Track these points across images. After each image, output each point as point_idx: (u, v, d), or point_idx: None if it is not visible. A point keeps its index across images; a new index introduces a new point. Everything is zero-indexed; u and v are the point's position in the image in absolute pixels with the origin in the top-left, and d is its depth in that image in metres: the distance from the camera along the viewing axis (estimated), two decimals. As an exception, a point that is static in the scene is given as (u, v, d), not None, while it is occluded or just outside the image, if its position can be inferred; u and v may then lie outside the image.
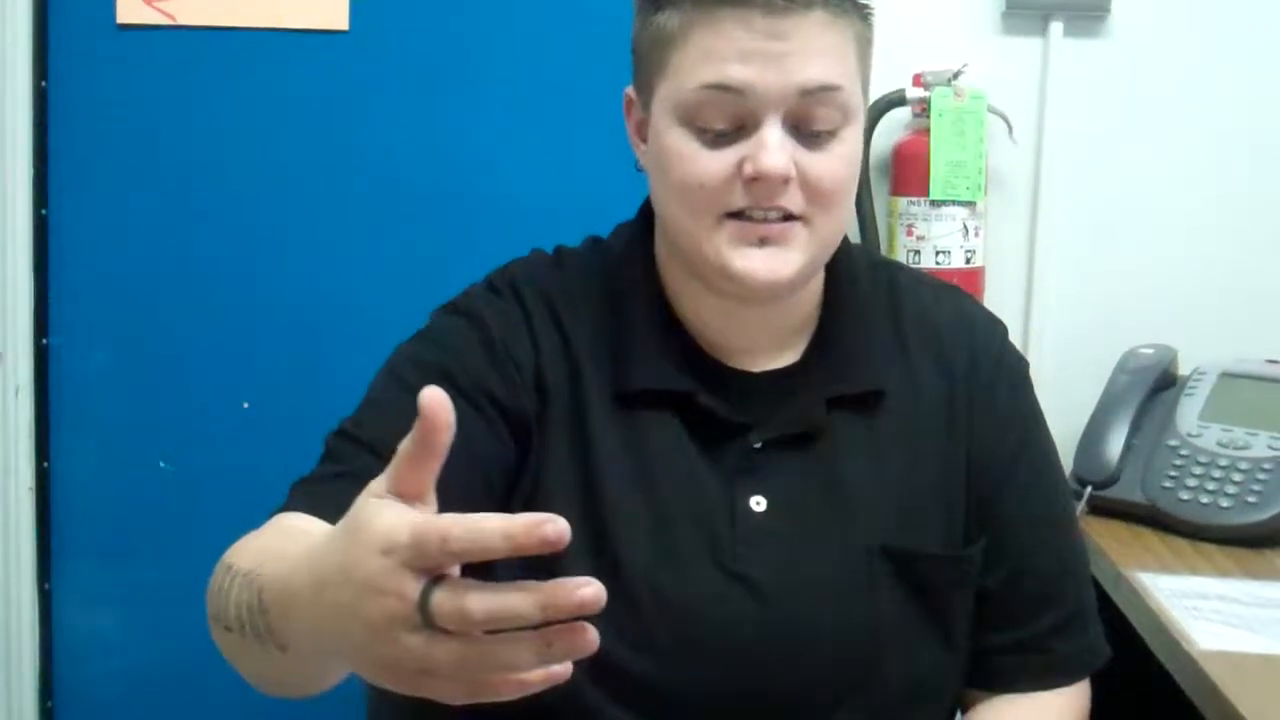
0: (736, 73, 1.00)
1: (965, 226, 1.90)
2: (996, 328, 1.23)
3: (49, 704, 2.09)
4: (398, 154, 2.02)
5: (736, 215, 1.04)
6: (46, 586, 2.07)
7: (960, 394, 1.16)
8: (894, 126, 1.97)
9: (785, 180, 1.02)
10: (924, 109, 1.91)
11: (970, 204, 1.90)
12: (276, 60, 2.01)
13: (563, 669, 0.62)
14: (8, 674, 2.05)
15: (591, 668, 1.05)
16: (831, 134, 1.04)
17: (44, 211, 2.02)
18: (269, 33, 2.01)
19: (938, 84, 1.90)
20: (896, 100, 1.93)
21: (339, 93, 2.02)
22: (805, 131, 1.03)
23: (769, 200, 1.03)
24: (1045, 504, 1.19)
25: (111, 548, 2.07)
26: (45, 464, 2.06)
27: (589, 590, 0.59)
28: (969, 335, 1.19)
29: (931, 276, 1.27)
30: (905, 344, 1.17)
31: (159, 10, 2.00)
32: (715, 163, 1.03)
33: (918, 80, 1.92)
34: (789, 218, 1.04)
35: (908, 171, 1.92)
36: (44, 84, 2.00)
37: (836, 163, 1.05)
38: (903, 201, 1.92)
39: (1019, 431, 1.18)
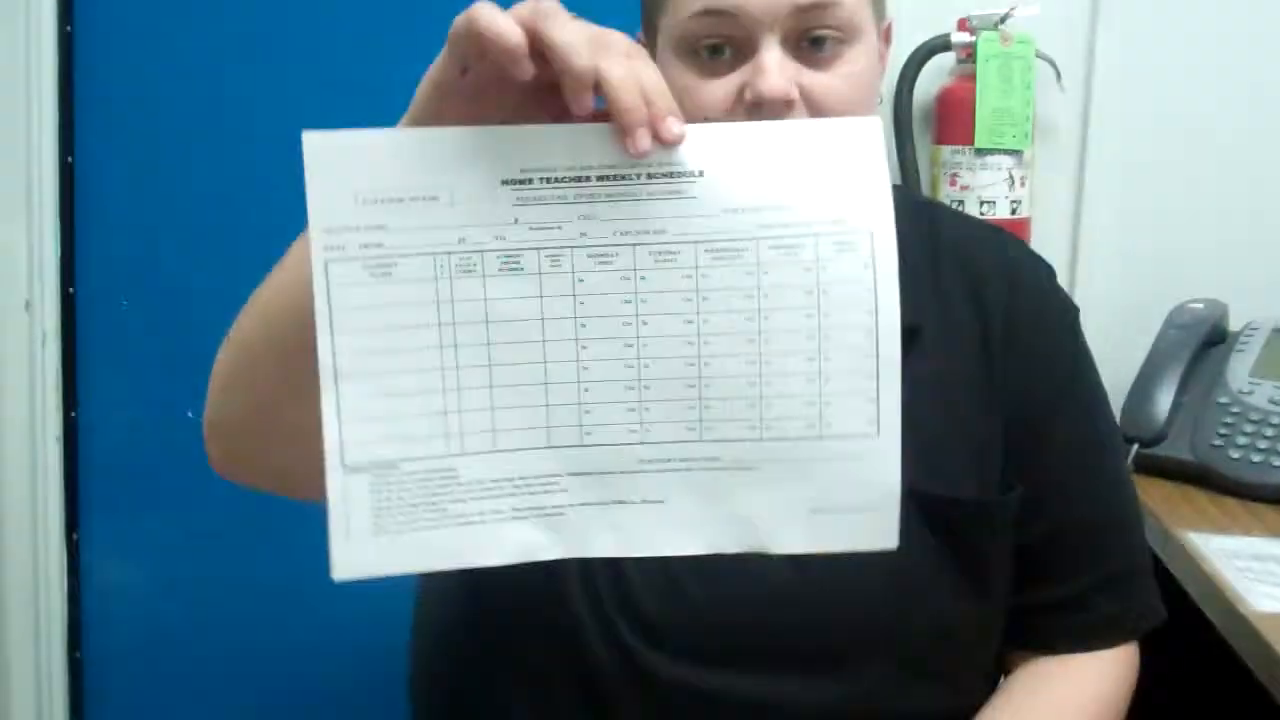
0: None
1: (1011, 176, 1.84)
2: (1040, 267, 1.18)
3: (77, 654, 2.09)
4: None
5: None
6: (74, 536, 2.07)
7: (998, 333, 1.11)
8: (938, 73, 1.92)
9: (788, 103, 0.98)
10: (969, 54, 1.85)
11: (1016, 153, 1.84)
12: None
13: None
14: (36, 624, 2.05)
15: (628, 620, 1.04)
16: (836, 53, 1.01)
17: (70, 159, 2.00)
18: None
19: (984, 28, 1.84)
20: (940, 46, 1.88)
21: (376, 28, 1.97)
22: (807, 51, 1.00)
23: None
24: (1091, 452, 1.14)
25: (139, 498, 2.07)
26: (73, 414, 2.05)
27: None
28: (1012, 274, 1.14)
29: (977, 219, 1.22)
30: (942, 282, 1.12)
31: (187, -48, 1.96)
32: (716, 91, 1.00)
33: (963, 24, 1.86)
34: None
35: (952, 119, 1.87)
36: (69, 29, 1.97)
37: (842, 83, 1.01)
38: (946, 150, 1.87)
39: (1063, 372, 1.13)
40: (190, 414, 1.99)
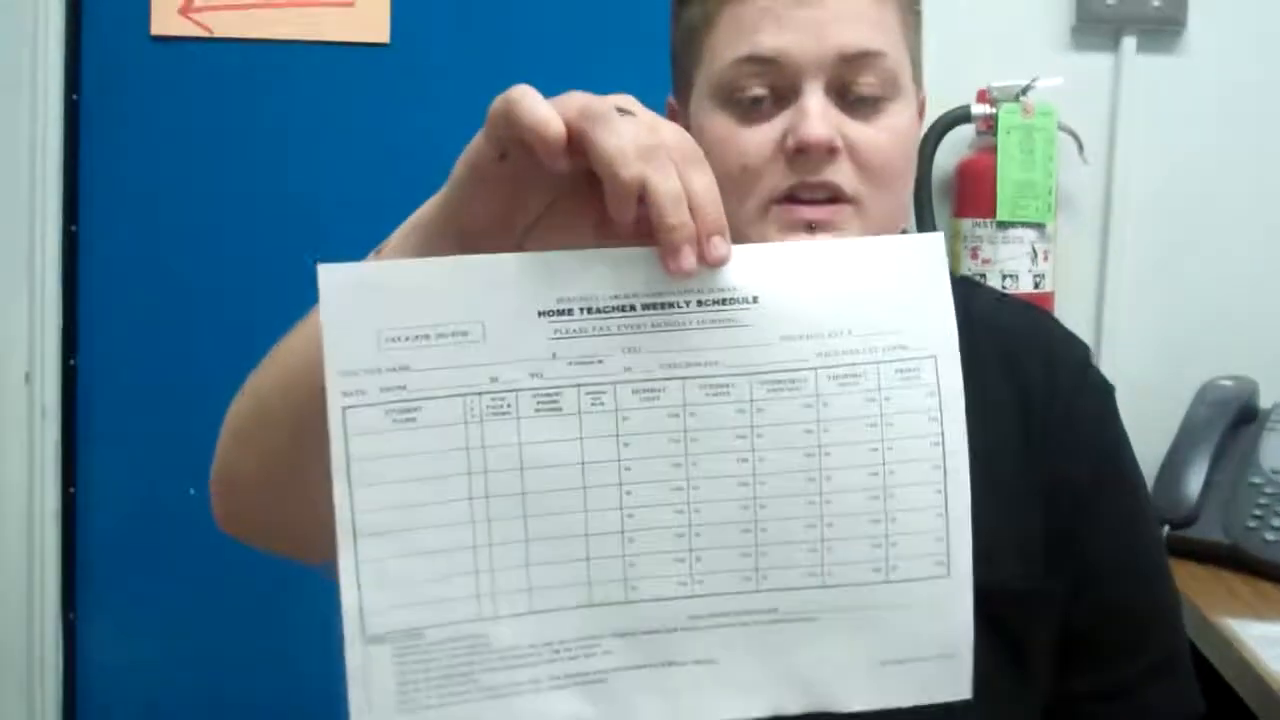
0: (769, 40, 0.95)
1: (1034, 250, 1.81)
2: (1076, 347, 1.14)
3: None
4: (439, 168, 1.95)
5: (783, 201, 0.97)
6: (71, 616, 2.02)
7: (1037, 412, 1.07)
8: (958, 145, 1.89)
9: (831, 150, 0.95)
10: (990, 126, 1.82)
11: (1039, 226, 1.81)
12: (316, 73, 1.96)
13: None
14: (30, 707, 1.99)
15: None
16: (878, 106, 0.97)
17: (74, 228, 1.97)
18: (308, 45, 1.95)
19: (1005, 100, 1.81)
20: (961, 117, 1.85)
21: (379, 106, 1.96)
22: (850, 102, 0.97)
23: (816, 175, 0.95)
24: (1132, 537, 1.09)
25: (138, 577, 2.01)
26: (71, 489, 2.01)
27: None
28: (1047, 351, 1.10)
29: (1009, 295, 1.18)
30: (977, 361, 1.07)
31: (195, 22, 1.94)
32: (756, 138, 0.96)
33: (983, 96, 1.83)
34: (837, 200, 0.96)
35: (973, 191, 1.84)
36: (75, 97, 1.96)
37: (886, 137, 0.97)
38: (967, 223, 1.84)
39: (1104, 455, 1.08)
40: (193, 491, 1.97)
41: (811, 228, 0.96)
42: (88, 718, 2.04)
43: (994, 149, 1.81)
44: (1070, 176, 1.88)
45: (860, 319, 0.71)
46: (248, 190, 1.97)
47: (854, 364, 0.71)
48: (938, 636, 0.73)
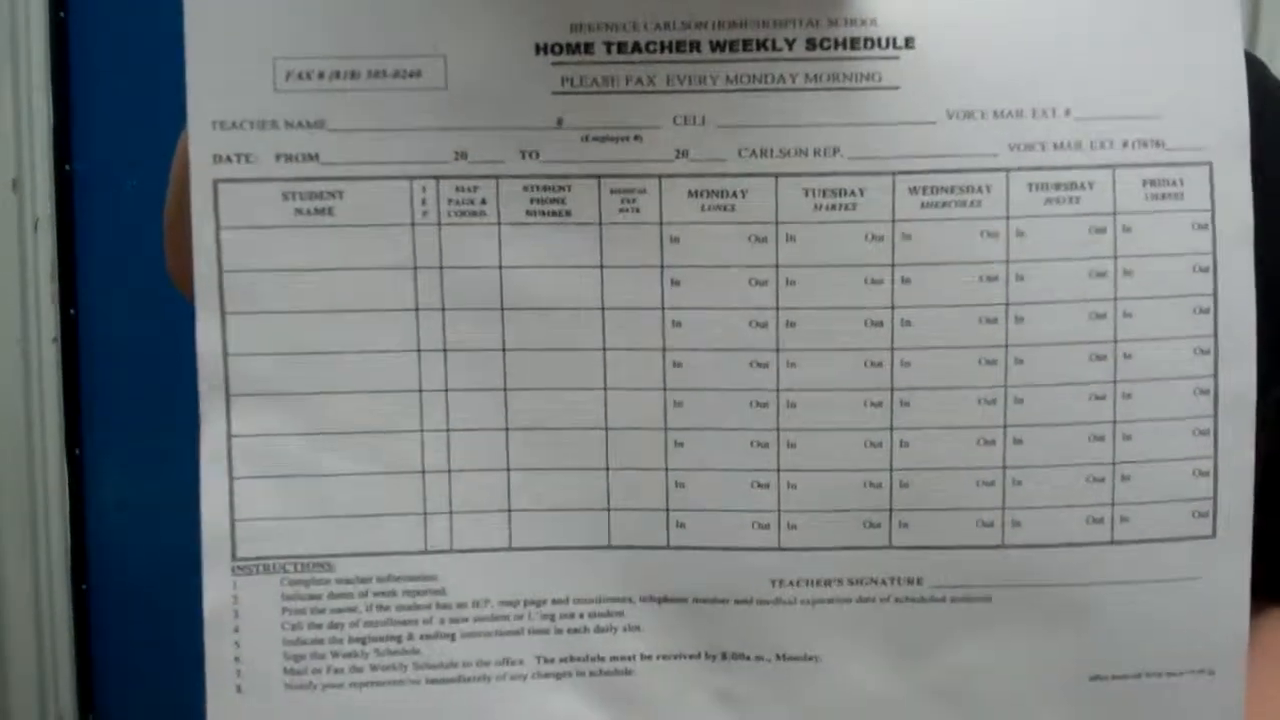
0: None
1: None
2: None
3: (83, 587, 1.92)
4: None
5: None
6: (77, 452, 1.90)
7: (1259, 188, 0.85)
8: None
9: None
10: None
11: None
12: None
13: None
14: (35, 555, 1.88)
15: None
16: None
17: (62, 14, 1.80)
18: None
19: None
20: None
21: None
22: None
23: None
24: None
25: (149, 407, 1.87)
26: (71, 310, 1.87)
27: None
28: (1255, 123, 0.87)
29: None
30: None
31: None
32: None
33: None
34: None
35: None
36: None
37: None
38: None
39: None
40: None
41: None
42: (98, 567, 1.93)
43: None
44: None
45: (1086, 89, 0.47)
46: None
47: (1071, 166, 0.47)
48: (1191, 638, 0.49)
